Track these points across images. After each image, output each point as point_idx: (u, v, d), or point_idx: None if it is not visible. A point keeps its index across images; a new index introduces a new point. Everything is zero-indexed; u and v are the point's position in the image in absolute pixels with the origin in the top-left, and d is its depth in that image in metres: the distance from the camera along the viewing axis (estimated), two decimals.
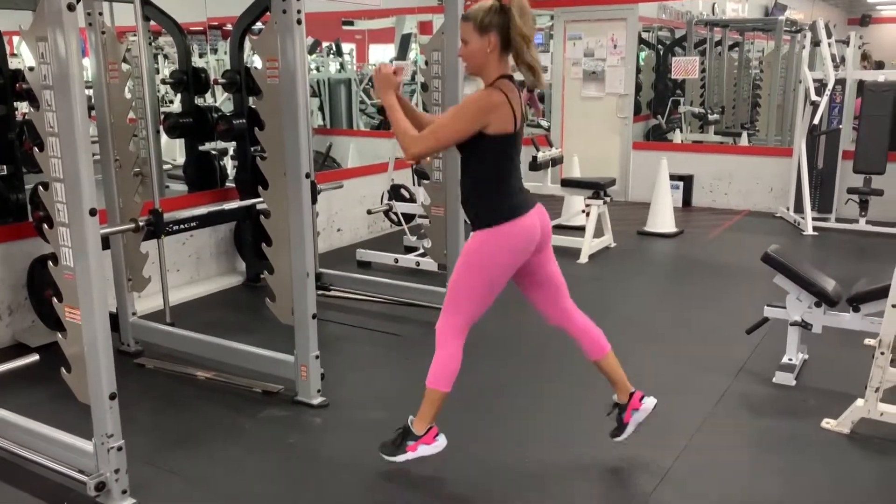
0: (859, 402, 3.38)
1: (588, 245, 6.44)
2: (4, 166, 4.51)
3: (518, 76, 2.85)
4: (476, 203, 2.87)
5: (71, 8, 2.48)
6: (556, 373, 4.09)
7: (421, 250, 6.14)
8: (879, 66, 12.23)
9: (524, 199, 2.86)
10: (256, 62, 3.84)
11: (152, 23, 5.63)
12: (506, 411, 3.65)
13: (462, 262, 2.90)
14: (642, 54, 10.20)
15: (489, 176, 2.82)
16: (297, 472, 3.18)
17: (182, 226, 4.80)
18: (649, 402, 3.13)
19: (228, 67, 5.66)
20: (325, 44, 10.77)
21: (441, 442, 3.02)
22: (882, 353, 3.28)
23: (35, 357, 3.44)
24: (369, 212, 6.56)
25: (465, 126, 2.71)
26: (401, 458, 3.02)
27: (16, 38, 5.63)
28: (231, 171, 6.69)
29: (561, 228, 7.19)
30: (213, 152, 6.17)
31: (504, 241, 2.82)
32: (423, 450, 3.01)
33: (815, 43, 7.71)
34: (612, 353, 3.12)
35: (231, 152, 6.87)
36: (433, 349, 2.98)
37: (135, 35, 4.34)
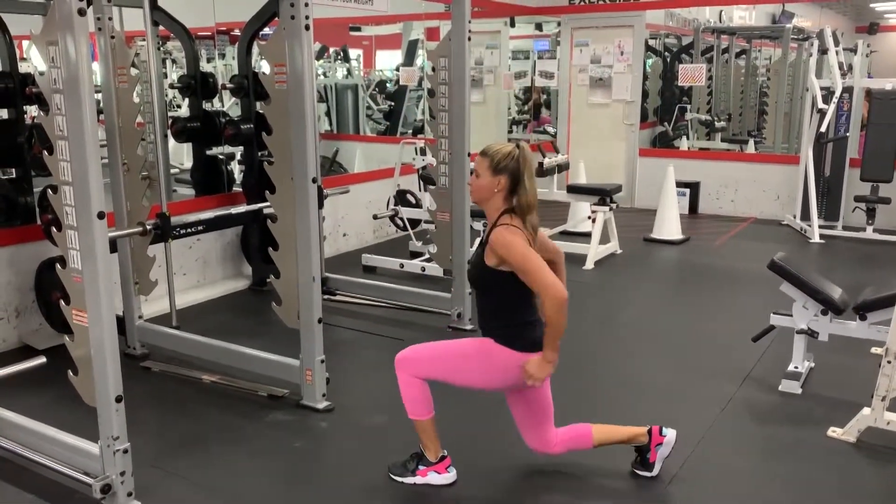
0: (866, 410, 3.36)
1: (594, 251, 6.43)
2: (13, 169, 4.54)
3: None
4: (498, 327, 2.88)
5: (81, 13, 2.50)
6: (561, 379, 4.07)
7: (426, 255, 6.14)
8: None
9: (538, 338, 2.84)
10: (264, 67, 3.85)
11: (161, 28, 5.66)
12: (507, 418, 3.63)
13: (466, 349, 2.93)
14: (649, 61, 10.20)
15: (512, 307, 2.84)
16: (302, 476, 3.18)
17: (189, 230, 4.82)
18: (671, 435, 3.07)
19: (236, 72, 5.69)
20: (332, 49, 10.81)
21: (452, 475, 3.05)
22: (889, 362, 3.27)
23: (42, 359, 3.45)
24: (375, 217, 6.56)
25: (530, 251, 2.73)
26: (409, 480, 3.05)
27: (25, 43, 5.68)
28: (238, 175, 6.71)
29: (567, 235, 7.19)
30: (221, 157, 6.19)
31: (512, 367, 2.83)
32: (433, 478, 3.04)
33: (823, 51, 7.71)
34: (597, 428, 3.07)
35: (238, 157, 6.89)
36: None
37: (144, 40, 4.36)
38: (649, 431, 3.07)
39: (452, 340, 3.01)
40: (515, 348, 2.83)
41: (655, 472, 3.07)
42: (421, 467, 3.04)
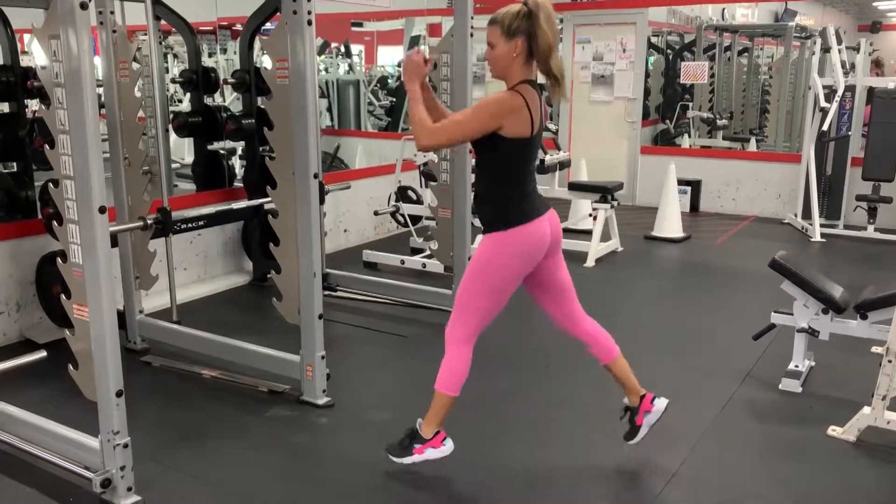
0: (866, 409, 3.36)
1: (595, 249, 6.43)
2: (15, 163, 4.54)
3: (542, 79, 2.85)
4: (488, 205, 2.86)
5: (83, 7, 2.49)
6: (563, 378, 4.08)
7: (427, 252, 6.14)
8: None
9: (537, 204, 2.85)
10: (266, 62, 3.85)
11: (163, 22, 5.66)
12: (513, 416, 3.65)
13: (471, 268, 2.90)
14: (651, 59, 10.19)
15: (503, 179, 2.81)
16: (302, 472, 3.19)
17: (190, 224, 4.82)
18: (661, 404, 3.13)
19: (238, 67, 5.68)
20: (334, 45, 10.80)
21: (448, 447, 3.03)
22: (889, 361, 3.27)
23: (42, 353, 3.47)
24: (376, 213, 6.57)
25: (480, 125, 2.70)
26: (407, 459, 3.03)
27: (27, 37, 5.67)
28: (239, 170, 6.71)
29: (568, 232, 7.16)
30: (222, 152, 6.19)
31: (514, 247, 2.81)
32: (430, 453, 3.02)
33: (825, 49, 7.69)
34: (621, 357, 3.12)
35: (239, 152, 6.90)
36: (439, 350, 2.98)
37: (145, 34, 4.35)
38: (642, 397, 3.11)
39: (462, 279, 2.94)
40: (513, 224, 2.77)
41: (639, 438, 3.12)
42: (416, 445, 3.02)
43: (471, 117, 2.74)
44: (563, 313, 3.07)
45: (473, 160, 3.04)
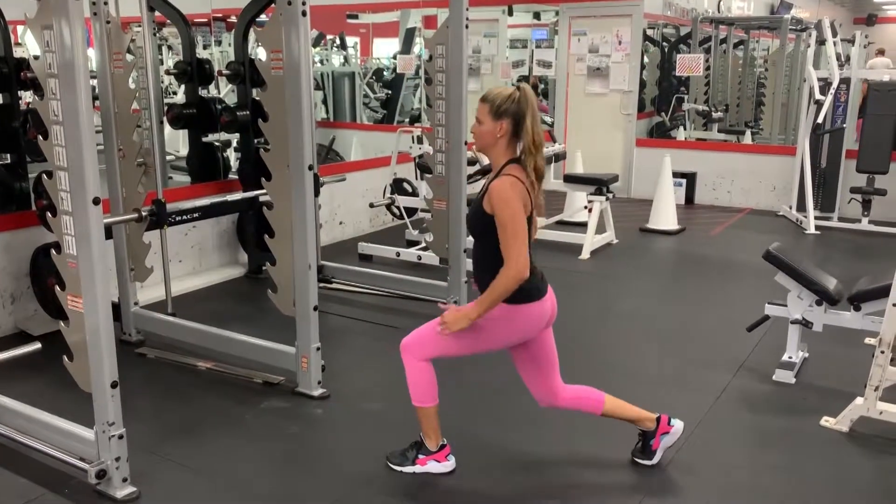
0: (859, 400, 3.38)
1: (590, 241, 6.43)
2: (8, 155, 4.52)
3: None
4: (492, 281, 2.79)
5: None
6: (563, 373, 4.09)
7: (423, 244, 6.14)
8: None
9: (540, 283, 2.85)
10: (261, 54, 3.83)
11: (157, 13, 5.63)
12: (509, 409, 3.65)
13: (473, 327, 2.83)
14: (647, 51, 10.18)
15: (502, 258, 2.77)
16: (297, 463, 3.19)
17: (185, 216, 4.80)
18: (679, 425, 3.08)
19: (232, 59, 5.67)
20: (329, 37, 10.76)
21: (451, 463, 3.06)
22: (882, 352, 3.28)
23: (37, 345, 3.46)
24: (372, 205, 6.55)
25: (522, 215, 2.70)
26: (408, 468, 3.05)
27: (20, 28, 5.64)
28: (234, 162, 6.69)
29: (563, 224, 7.19)
30: (217, 144, 6.17)
31: (515, 322, 2.81)
32: (433, 466, 3.05)
33: (821, 42, 7.69)
34: (611, 399, 3.06)
35: (234, 144, 6.87)
36: None
37: (139, 25, 4.33)
38: (658, 419, 3.06)
39: (452, 318, 2.86)
40: (520, 301, 2.77)
41: (655, 460, 3.08)
42: (420, 456, 3.05)
43: (514, 219, 2.68)
44: (547, 387, 3.01)
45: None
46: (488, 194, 2.73)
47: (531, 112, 2.72)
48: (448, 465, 3.06)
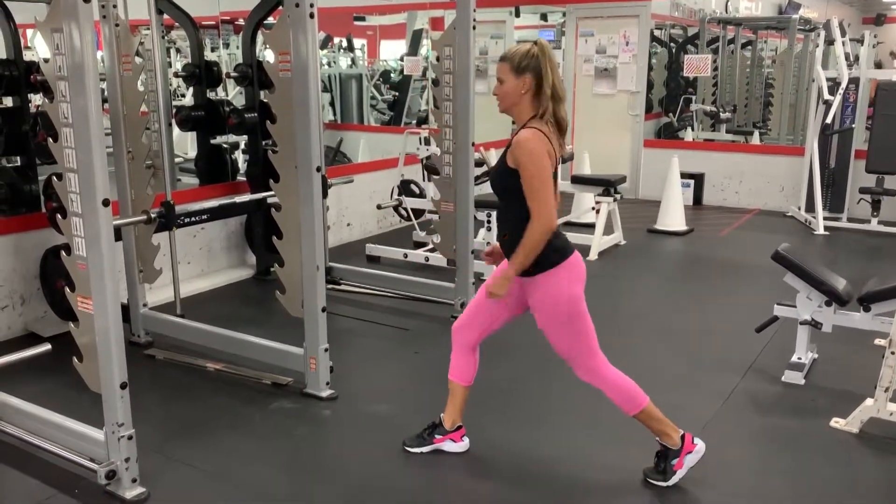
0: (869, 401, 3.36)
1: (598, 242, 6.43)
2: (18, 157, 4.55)
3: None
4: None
5: (86, 0, 2.49)
6: (562, 369, 4.08)
7: (430, 246, 6.14)
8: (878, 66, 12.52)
9: (567, 239, 2.88)
10: (268, 56, 3.85)
11: (165, 16, 5.65)
12: (514, 408, 3.65)
13: (551, 314, 2.83)
14: (654, 52, 10.16)
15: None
16: (306, 464, 3.20)
17: (193, 218, 4.82)
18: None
19: (240, 61, 5.68)
20: (336, 39, 10.78)
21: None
22: (892, 353, 3.27)
23: (47, 346, 3.48)
24: (379, 207, 6.56)
25: (548, 164, 2.70)
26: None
27: (30, 31, 5.67)
28: (242, 164, 6.71)
29: (571, 225, 7.18)
30: (225, 145, 6.19)
31: (574, 273, 2.82)
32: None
33: (829, 42, 7.66)
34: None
35: (242, 146, 6.90)
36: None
37: (148, 28, 4.36)
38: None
39: (553, 333, 2.88)
40: (566, 256, 2.78)
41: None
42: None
43: (539, 170, 2.69)
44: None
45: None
46: (512, 147, 2.72)
47: (550, 65, 2.73)
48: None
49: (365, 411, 3.63)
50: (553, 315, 2.82)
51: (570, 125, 9.37)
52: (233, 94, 7.73)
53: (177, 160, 6.88)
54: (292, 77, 3.48)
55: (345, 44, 10.99)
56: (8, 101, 4.58)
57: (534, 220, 2.68)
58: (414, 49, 10.40)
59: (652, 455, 3.01)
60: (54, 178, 2.79)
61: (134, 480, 2.87)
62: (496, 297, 2.81)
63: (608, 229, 6.65)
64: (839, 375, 3.98)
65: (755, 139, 9.92)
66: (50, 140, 2.72)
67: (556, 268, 2.77)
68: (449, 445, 3.14)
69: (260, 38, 5.50)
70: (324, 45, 10.17)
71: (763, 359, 4.20)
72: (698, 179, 8.68)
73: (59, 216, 2.78)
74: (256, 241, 5.77)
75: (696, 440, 2.98)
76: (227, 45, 8.92)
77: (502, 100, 2.81)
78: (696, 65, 8.97)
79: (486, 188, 3.27)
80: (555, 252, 2.77)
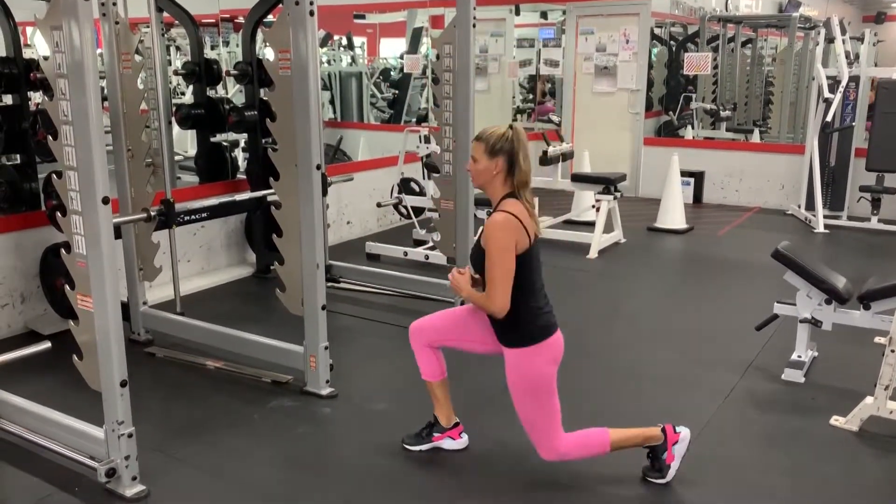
0: (869, 399, 3.37)
1: (598, 240, 6.42)
2: (18, 155, 4.54)
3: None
4: (514, 323, 2.83)
5: None
6: (563, 369, 4.08)
7: (430, 244, 6.15)
8: None
9: (553, 316, 2.89)
10: (268, 54, 3.84)
11: (165, 14, 5.65)
12: (510, 413, 3.64)
13: (520, 391, 2.87)
14: (654, 50, 10.16)
15: (523, 293, 2.81)
16: (306, 462, 3.20)
17: (193, 216, 4.83)
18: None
19: (240, 59, 5.68)
20: (336, 37, 10.78)
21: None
22: (892, 351, 3.27)
23: (47, 345, 3.46)
24: (379, 205, 6.57)
25: (511, 255, 2.74)
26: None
27: (30, 29, 5.67)
28: (242, 162, 6.71)
29: (571, 224, 7.19)
30: (225, 144, 6.19)
31: (552, 353, 2.87)
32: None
33: (829, 40, 7.66)
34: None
35: (242, 144, 6.90)
36: None
37: (148, 26, 4.35)
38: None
39: (520, 408, 2.91)
40: (543, 337, 2.83)
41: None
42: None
43: (502, 257, 2.74)
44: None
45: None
46: (483, 230, 2.82)
47: (523, 151, 2.82)
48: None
49: (365, 409, 3.63)
50: (522, 386, 2.87)
51: (571, 123, 9.42)
52: (233, 92, 7.74)
53: (177, 158, 6.89)
54: (292, 75, 3.48)
55: (345, 42, 10.98)
56: (8, 99, 4.58)
57: (488, 303, 2.77)
58: (414, 47, 10.39)
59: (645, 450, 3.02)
60: (54, 175, 2.79)
61: (134, 478, 2.87)
62: (455, 291, 2.91)
63: (608, 227, 6.64)
64: (839, 373, 3.98)
65: (755, 137, 9.92)
66: (50, 138, 2.72)
67: (536, 345, 2.83)
68: (448, 443, 3.17)
69: (260, 35, 5.50)
70: (324, 43, 10.17)
71: (763, 357, 4.20)
72: (698, 177, 8.68)
73: (58, 214, 2.77)
74: (256, 239, 5.77)
75: (679, 428, 2.98)
76: (226, 43, 8.92)
77: (475, 178, 2.90)
78: (697, 63, 8.96)
79: None
80: (539, 329, 2.84)
